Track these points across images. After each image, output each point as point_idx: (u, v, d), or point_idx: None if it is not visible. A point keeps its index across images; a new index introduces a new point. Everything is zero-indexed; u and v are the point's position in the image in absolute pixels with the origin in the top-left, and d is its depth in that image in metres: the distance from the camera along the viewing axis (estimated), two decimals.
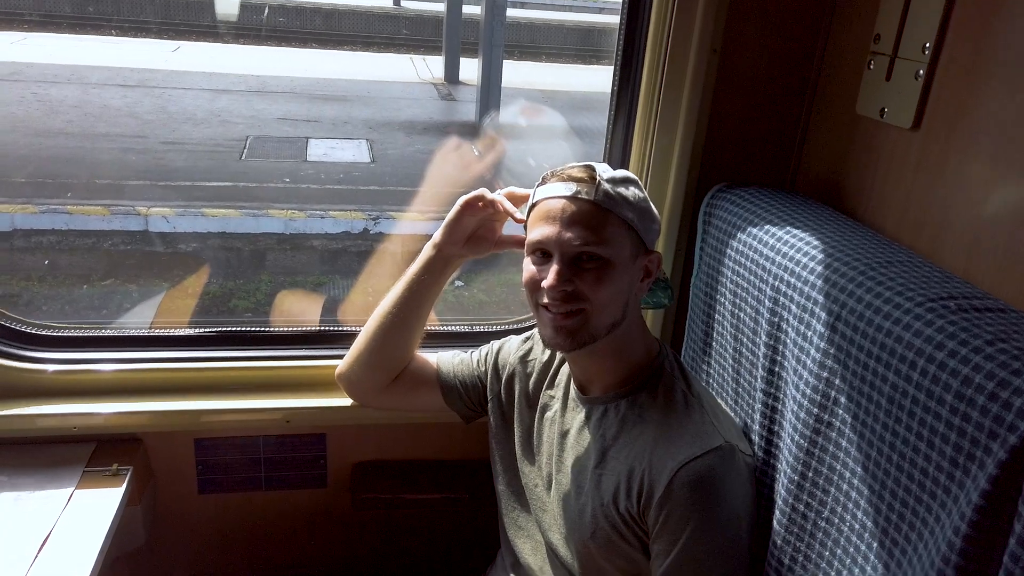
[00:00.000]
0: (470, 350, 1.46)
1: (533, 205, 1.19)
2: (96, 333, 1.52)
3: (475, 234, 1.35)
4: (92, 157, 6.47)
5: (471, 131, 8.13)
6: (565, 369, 1.32)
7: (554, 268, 1.12)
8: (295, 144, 7.40)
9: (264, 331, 1.60)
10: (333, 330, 1.62)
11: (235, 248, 5.69)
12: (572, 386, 1.28)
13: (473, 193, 1.32)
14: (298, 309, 2.73)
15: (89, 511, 1.29)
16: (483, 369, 1.42)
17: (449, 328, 1.64)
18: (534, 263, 1.17)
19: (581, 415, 1.24)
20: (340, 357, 1.51)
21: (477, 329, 1.65)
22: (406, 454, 1.61)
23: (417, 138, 8.01)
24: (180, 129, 7.46)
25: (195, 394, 1.50)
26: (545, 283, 1.12)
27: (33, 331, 1.46)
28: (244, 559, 1.58)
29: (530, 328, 1.49)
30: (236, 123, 7.77)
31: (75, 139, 6.85)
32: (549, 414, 1.31)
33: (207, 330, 1.58)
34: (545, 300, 1.14)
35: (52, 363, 1.46)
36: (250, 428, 1.53)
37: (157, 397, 1.49)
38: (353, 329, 1.59)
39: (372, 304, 1.42)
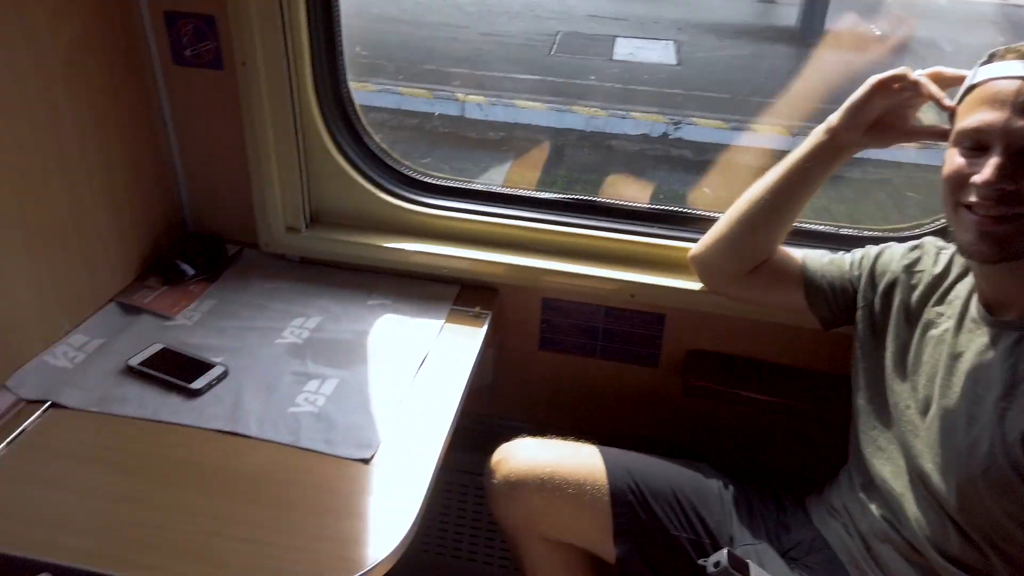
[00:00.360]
0: (840, 252, 1.33)
1: (971, 88, 1.02)
2: (467, 185, 1.63)
3: (881, 120, 1.19)
4: (422, 44, 6.99)
5: (790, 38, 7.45)
6: (964, 285, 1.15)
7: (993, 160, 0.95)
8: (602, 42, 7.35)
9: (615, 204, 1.60)
10: (684, 211, 1.57)
11: (537, 140, 5.88)
12: (974, 304, 1.11)
13: (891, 72, 1.16)
14: (628, 197, 2.73)
15: (456, 344, 1.42)
16: (856, 274, 1.29)
17: (814, 227, 1.50)
18: (962, 155, 1.01)
19: (984, 339, 1.08)
20: (687, 240, 1.47)
21: (844, 232, 1.50)
22: (745, 351, 1.54)
23: (728, 42, 7.53)
24: (497, 22, 7.76)
25: (546, 254, 1.56)
26: (978, 178, 0.96)
27: (419, 177, 1.60)
28: (572, 417, 1.65)
29: (913, 237, 1.32)
30: (548, 18, 7.89)
31: (408, 26, 7.44)
32: (935, 332, 1.15)
33: (562, 195, 1.62)
34: (971, 199, 0.98)
35: (431, 207, 1.59)
36: (594, 296, 1.55)
37: (513, 252, 1.56)
38: (706, 213, 1.53)
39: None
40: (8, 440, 1.10)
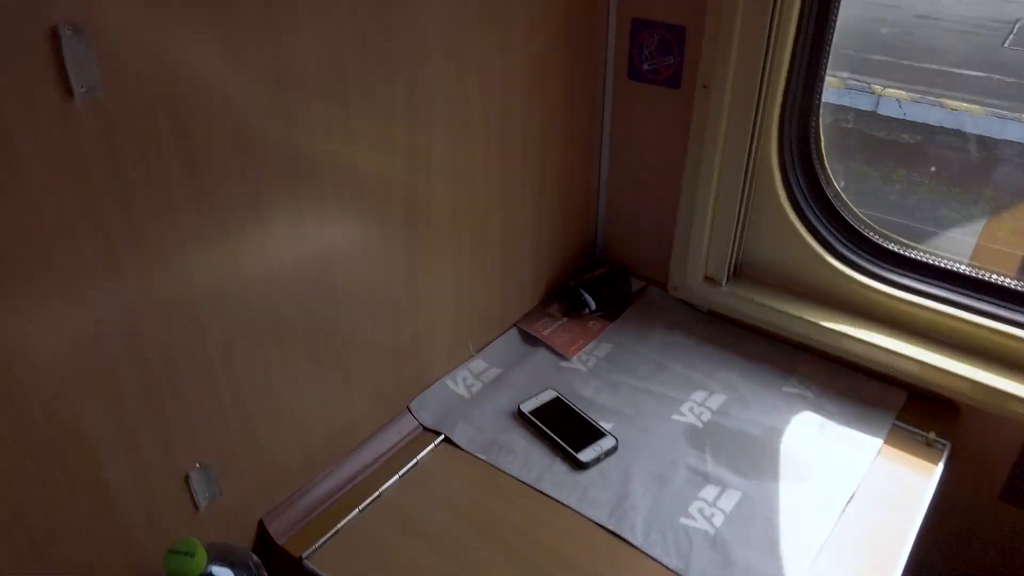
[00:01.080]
0: None
1: None
2: (940, 262, 1.25)
3: None
4: (842, 24, 6.23)
5: None
6: None
7: None
8: None
9: None
10: None
11: (962, 149, 4.89)
12: None
13: None
14: None
15: (898, 478, 1.08)
16: None
17: None
18: None
19: None
20: None
21: None
22: None
23: None
24: (940, 1, 6.61)
25: None
26: None
27: (880, 241, 1.26)
28: None
29: None
30: (1010, 0, 6.51)
31: None
32: None
33: None
34: None
35: (884, 282, 1.25)
36: None
37: (988, 363, 1.17)
38: None
39: None
40: (402, 472, 1.07)
